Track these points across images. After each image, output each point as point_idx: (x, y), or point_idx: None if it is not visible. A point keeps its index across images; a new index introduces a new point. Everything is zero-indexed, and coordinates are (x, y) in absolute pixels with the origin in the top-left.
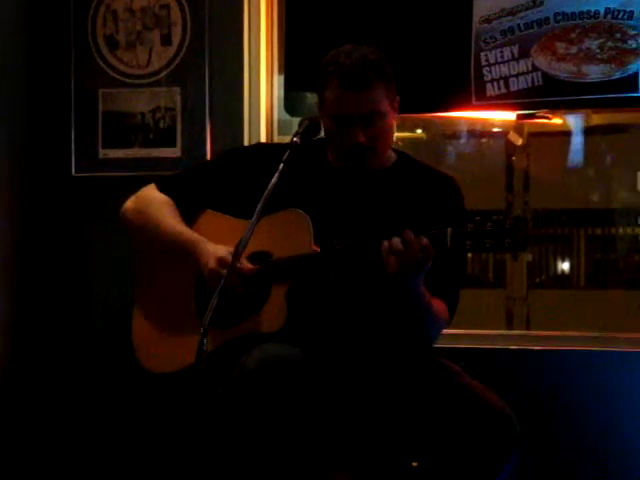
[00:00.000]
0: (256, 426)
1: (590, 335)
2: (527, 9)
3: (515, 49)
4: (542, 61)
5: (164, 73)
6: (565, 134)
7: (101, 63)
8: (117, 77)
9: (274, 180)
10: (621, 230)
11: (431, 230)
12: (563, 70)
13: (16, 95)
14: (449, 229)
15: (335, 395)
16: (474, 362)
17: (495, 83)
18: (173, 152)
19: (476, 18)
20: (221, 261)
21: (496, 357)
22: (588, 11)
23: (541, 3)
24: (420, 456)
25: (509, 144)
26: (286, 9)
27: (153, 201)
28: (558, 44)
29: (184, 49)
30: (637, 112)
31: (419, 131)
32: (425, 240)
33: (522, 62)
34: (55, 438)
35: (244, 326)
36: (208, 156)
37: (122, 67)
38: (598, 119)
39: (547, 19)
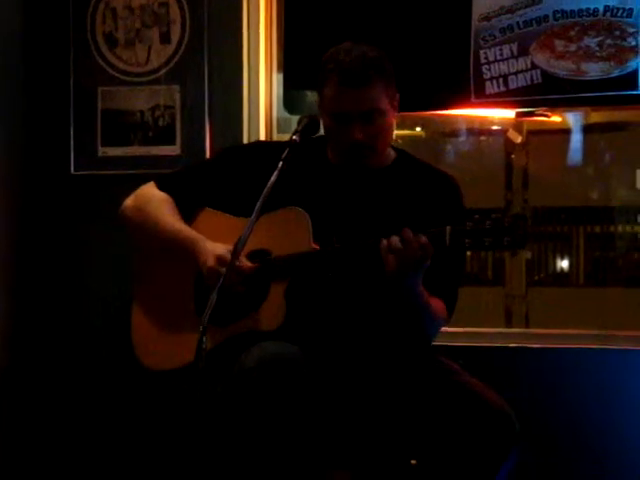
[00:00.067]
0: (255, 424)
1: (589, 333)
2: (526, 7)
3: (514, 47)
4: (541, 59)
5: (163, 71)
6: (564, 132)
7: (100, 61)
8: (116, 75)
9: (273, 178)
10: (620, 228)
11: (430, 228)
12: (562, 68)
13: (15, 93)
14: (448, 227)
15: (334, 393)
16: (473, 360)
17: (494, 81)
18: (172, 150)
19: (475, 16)
20: (220, 259)
21: (495, 355)
22: (587, 9)
23: (540, 1)
24: (419, 454)
25: (508, 142)
26: (285, 7)
27: (152, 199)
28: (557, 42)
29: (183, 47)
30: (636, 110)
31: (418, 129)
32: (424, 239)
33: (521, 60)
34: (54, 436)
35: (243, 324)
36: (207, 154)
37: (121, 65)
38: (597, 117)
39: (546, 17)
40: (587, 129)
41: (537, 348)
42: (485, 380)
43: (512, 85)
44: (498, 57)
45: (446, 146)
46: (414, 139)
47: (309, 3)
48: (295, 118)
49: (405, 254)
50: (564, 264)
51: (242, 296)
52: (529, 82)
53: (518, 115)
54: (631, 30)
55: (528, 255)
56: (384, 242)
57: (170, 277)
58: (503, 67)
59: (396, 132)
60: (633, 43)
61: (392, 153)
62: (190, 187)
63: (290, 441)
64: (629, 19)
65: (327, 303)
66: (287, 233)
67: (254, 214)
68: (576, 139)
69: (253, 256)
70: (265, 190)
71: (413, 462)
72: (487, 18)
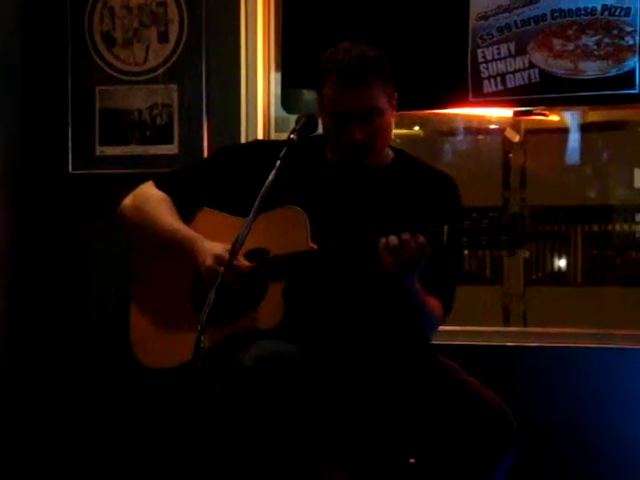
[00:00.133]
0: (253, 423)
1: (587, 332)
2: (524, 6)
3: (512, 46)
4: (539, 58)
5: (161, 70)
6: (562, 131)
7: (98, 60)
8: (114, 74)
9: (271, 177)
10: (618, 227)
11: (428, 228)
12: (560, 67)
13: (13, 92)
14: (446, 227)
15: (332, 392)
16: (471, 359)
17: (492, 80)
18: (170, 149)
19: (473, 15)
20: (218, 258)
21: (493, 354)
22: (585, 8)
23: (538, 0)
24: (417, 453)
25: (506, 141)
26: (283, 6)
27: (150, 198)
28: (555, 41)
29: (181, 46)
30: (634, 109)
31: (416, 128)
32: (422, 238)
33: (519, 59)
34: (52, 434)
35: (241, 323)
36: (205, 153)
37: (119, 64)
38: (595, 116)
39: (544, 16)
40: (585, 128)
41: (535, 347)
42: (483, 379)
43: (510, 84)
44: (496, 56)
45: (444, 145)
46: (412, 138)
47: (307, 2)
48: (293, 117)
49: (403, 253)
50: (562, 263)
51: (240, 295)
52: (527, 81)
53: (516, 114)
54: (629, 29)
55: (526, 254)
56: (382, 241)
57: (168, 276)
58: (501, 66)
59: (394, 131)
60: (631, 42)
61: (390, 153)
62: (188, 186)
63: (288, 440)
64: (627, 18)
65: (325, 302)
66: (285, 232)
67: (252, 213)
68: (574, 138)
69: (251, 255)
70: (263, 189)
71: (411, 461)
72: (485, 17)
